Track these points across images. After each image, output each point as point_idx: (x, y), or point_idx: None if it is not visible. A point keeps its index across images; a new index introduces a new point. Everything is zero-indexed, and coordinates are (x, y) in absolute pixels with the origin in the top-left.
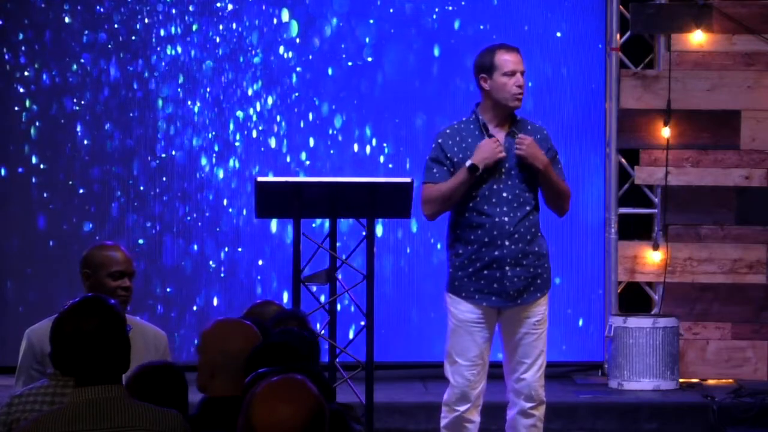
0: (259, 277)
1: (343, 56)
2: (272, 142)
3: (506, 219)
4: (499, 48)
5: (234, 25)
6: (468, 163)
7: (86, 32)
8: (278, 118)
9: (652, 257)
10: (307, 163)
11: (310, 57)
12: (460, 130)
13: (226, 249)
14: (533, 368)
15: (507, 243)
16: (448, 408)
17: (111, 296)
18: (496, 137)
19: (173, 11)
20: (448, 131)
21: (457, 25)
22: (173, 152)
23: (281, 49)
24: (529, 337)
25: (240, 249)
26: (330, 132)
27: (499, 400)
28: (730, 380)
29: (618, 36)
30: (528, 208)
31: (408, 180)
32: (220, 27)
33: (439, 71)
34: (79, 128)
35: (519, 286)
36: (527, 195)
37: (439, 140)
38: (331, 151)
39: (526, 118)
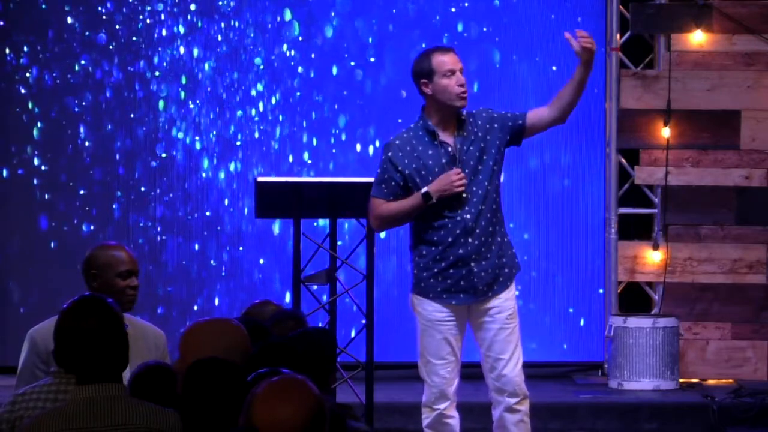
0: (260, 276)
1: (346, 56)
2: (274, 142)
3: (468, 216)
4: (434, 51)
5: (236, 25)
6: (424, 189)
7: (88, 33)
8: (281, 117)
9: (652, 257)
10: (309, 161)
11: (313, 56)
12: (410, 138)
13: (228, 249)
14: (511, 363)
15: (470, 240)
16: (429, 408)
17: (120, 296)
18: (459, 170)
19: (175, 11)
20: (397, 142)
21: (460, 27)
22: (175, 153)
23: (283, 49)
24: (503, 332)
25: (241, 248)
26: (333, 132)
27: (485, 401)
28: (730, 380)
29: (618, 36)
30: (487, 202)
31: None
32: (222, 26)
33: None
34: (81, 129)
35: (487, 279)
36: (485, 188)
37: (389, 153)
38: (333, 150)
39: (464, 110)
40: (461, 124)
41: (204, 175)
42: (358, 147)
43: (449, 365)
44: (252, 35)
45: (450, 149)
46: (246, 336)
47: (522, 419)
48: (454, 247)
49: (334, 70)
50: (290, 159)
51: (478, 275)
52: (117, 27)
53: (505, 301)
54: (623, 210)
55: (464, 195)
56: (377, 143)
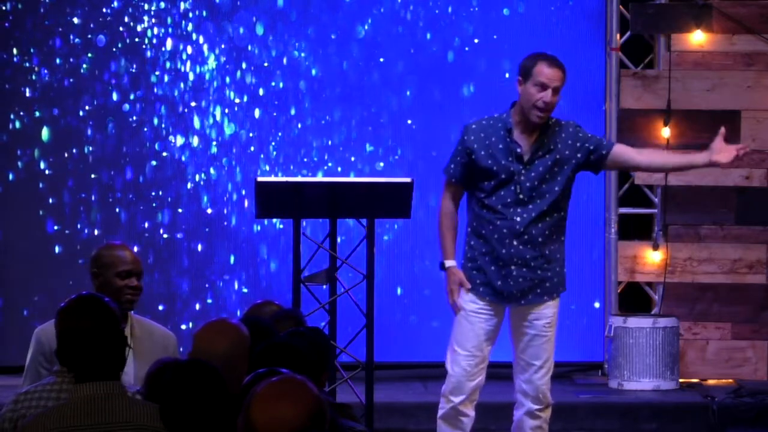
0: (262, 273)
1: (354, 56)
2: (281, 142)
3: (518, 219)
4: (543, 58)
5: (242, 25)
6: (448, 264)
7: (93, 35)
8: (288, 116)
9: (652, 257)
10: (316, 160)
11: (320, 52)
12: (488, 126)
13: (231, 248)
14: (542, 371)
15: (515, 243)
16: (445, 399)
17: (118, 295)
18: (459, 283)
19: (180, 12)
20: (474, 126)
21: (470, 30)
22: (180, 153)
23: (291, 49)
24: (539, 339)
25: (244, 246)
26: (342, 131)
27: (500, 401)
28: (730, 380)
29: (618, 36)
30: (543, 210)
31: (408, 180)
32: (228, 26)
33: (452, 77)
34: (86, 131)
35: (524, 287)
36: (545, 198)
37: (464, 136)
38: (340, 149)
39: (552, 118)
40: (543, 130)
41: (210, 174)
42: (368, 147)
43: (473, 359)
44: (258, 35)
45: (519, 150)
46: (246, 338)
47: (541, 426)
48: (498, 246)
49: (344, 71)
50: (298, 158)
51: (516, 280)
52: (121, 29)
53: (546, 309)
54: (623, 210)
55: (520, 197)
56: (388, 143)
